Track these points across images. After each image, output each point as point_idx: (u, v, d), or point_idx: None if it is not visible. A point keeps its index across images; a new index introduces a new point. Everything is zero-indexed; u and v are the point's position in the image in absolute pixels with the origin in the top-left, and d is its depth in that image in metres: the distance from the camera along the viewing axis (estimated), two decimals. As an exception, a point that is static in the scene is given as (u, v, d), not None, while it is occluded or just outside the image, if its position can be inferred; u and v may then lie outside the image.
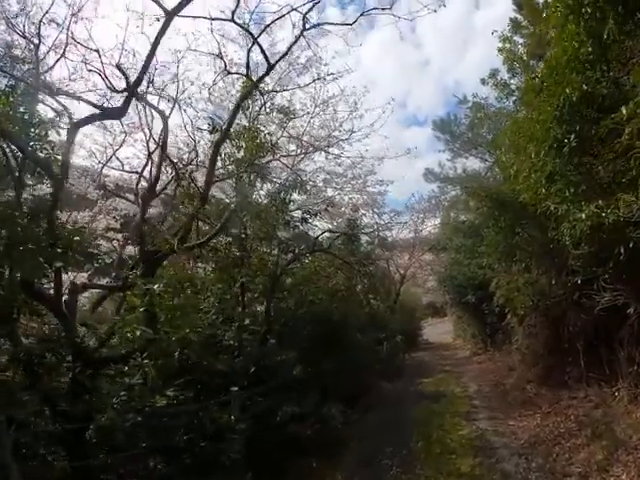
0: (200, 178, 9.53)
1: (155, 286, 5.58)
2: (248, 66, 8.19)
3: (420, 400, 12.43)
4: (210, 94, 10.04)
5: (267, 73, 8.04)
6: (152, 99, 8.83)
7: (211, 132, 8.63)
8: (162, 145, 8.10)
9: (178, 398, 5.71)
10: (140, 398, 5.39)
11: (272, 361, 8.12)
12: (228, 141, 8.66)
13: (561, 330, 11.11)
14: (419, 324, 35.00)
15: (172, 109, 9.51)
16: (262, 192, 9.88)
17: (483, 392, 12.98)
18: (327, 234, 11.85)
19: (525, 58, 10.78)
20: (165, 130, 8.05)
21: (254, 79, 8.34)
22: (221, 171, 9.15)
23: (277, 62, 8.08)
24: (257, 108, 10.05)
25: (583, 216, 5.25)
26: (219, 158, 8.49)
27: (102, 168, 10.40)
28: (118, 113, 7.22)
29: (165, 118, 8.19)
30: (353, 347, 11.19)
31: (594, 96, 5.97)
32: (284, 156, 10.19)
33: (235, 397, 6.27)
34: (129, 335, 5.71)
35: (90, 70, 7.87)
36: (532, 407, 10.47)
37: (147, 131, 9.36)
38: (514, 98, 11.09)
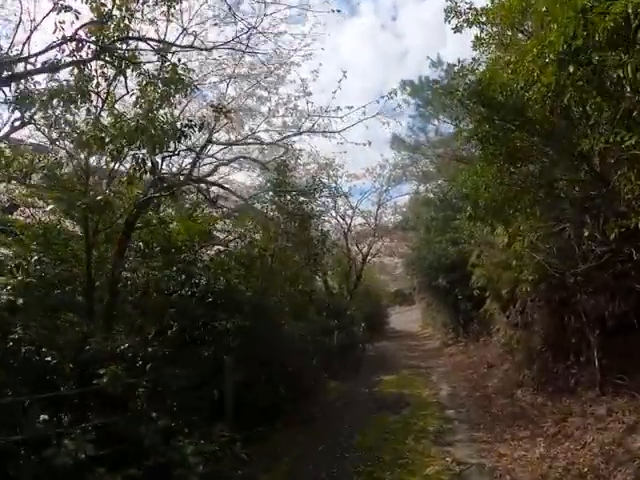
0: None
1: None
2: None
3: (375, 409, 9.24)
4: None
5: None
6: None
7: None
8: None
9: None
10: None
11: (99, 352, 4.75)
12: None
13: (567, 318, 8.15)
14: (385, 311, 32.43)
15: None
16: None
17: (458, 397, 9.89)
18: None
19: None
20: None
21: None
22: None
23: None
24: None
25: None
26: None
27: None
28: None
29: None
30: (275, 336, 7.93)
31: None
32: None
33: None
34: None
35: None
36: (529, 424, 7.48)
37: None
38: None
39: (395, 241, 26.41)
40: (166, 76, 5.90)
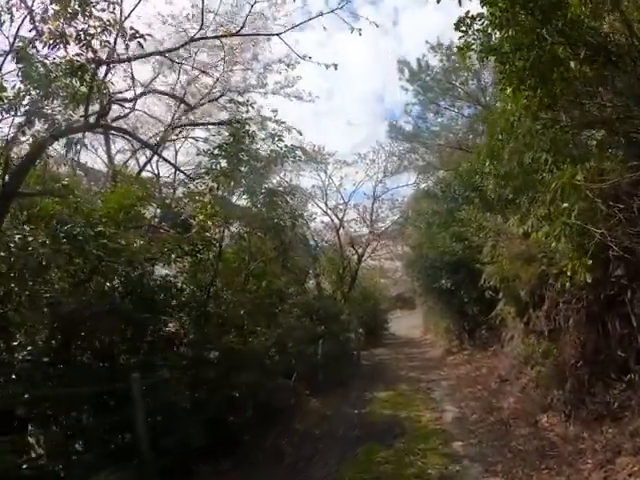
0: None
1: None
2: None
3: (362, 439, 7.32)
4: None
5: None
6: None
7: None
8: None
9: None
10: None
11: None
12: None
13: (610, 324, 6.29)
14: (385, 317, 30.51)
15: None
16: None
17: (467, 423, 7.96)
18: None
19: None
20: None
21: None
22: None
23: None
24: None
25: None
26: None
27: None
28: None
29: None
30: (234, 346, 6.14)
31: None
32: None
33: None
34: None
35: None
36: (562, 465, 5.60)
37: None
38: None
39: (393, 241, 24.59)
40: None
